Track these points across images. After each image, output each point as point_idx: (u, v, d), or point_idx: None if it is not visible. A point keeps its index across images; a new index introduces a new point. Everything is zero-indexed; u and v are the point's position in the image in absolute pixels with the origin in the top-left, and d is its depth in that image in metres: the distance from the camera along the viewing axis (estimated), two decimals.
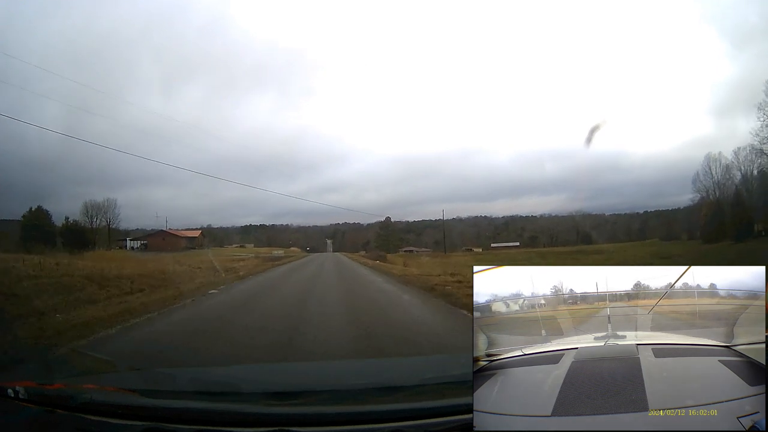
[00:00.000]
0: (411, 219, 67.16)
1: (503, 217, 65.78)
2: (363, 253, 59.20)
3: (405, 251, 60.78)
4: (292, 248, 69.23)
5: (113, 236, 50.32)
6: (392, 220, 67.94)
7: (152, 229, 55.14)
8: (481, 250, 60.32)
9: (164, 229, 54.90)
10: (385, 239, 66.03)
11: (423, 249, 63.15)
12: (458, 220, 63.03)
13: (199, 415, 1.78)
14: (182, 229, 57.77)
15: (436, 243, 63.62)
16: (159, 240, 52.41)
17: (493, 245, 60.89)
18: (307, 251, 69.30)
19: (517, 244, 60.46)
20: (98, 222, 47.84)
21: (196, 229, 60.95)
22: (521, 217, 65.01)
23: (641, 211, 59.18)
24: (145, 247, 50.83)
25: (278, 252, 52.87)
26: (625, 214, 59.02)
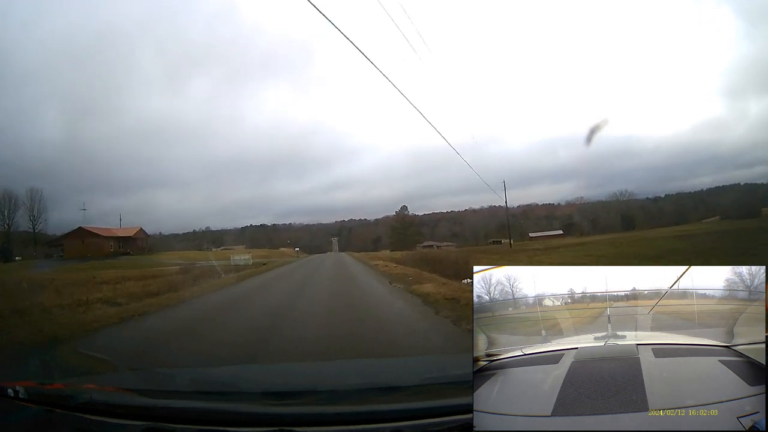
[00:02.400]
0: (420, 213, 63.92)
1: (519, 206, 62.72)
2: (387, 253, 43.88)
3: (424, 246, 54.53)
4: (282, 249, 58.65)
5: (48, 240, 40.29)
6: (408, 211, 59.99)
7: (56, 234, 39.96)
8: (512, 242, 55.39)
9: (84, 226, 39.49)
10: (402, 234, 56.76)
11: (445, 243, 54.99)
12: (471, 211, 59.55)
13: (198, 415, 1.77)
14: (114, 227, 43.25)
15: (454, 236, 59.47)
16: (77, 242, 38.35)
17: (532, 235, 53.83)
18: (296, 252, 56.44)
19: (560, 232, 53.38)
20: (9, 222, 37.65)
21: (132, 227, 44.43)
22: (538, 205, 61.85)
23: (662, 195, 56.99)
24: (61, 253, 38.51)
25: (240, 257, 35.26)
26: (646, 198, 57.04)
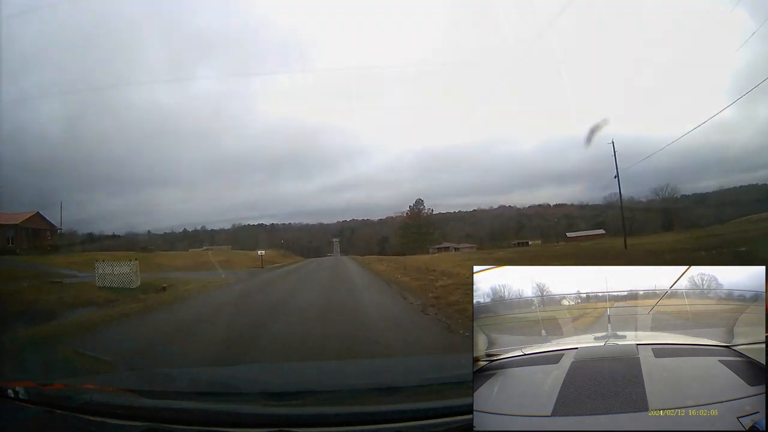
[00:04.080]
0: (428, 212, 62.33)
1: (530, 207, 60.80)
2: (433, 255, 31.50)
3: (440, 248, 50.86)
4: (253, 252, 48.96)
5: None
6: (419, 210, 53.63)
7: None
8: (540, 242, 51.20)
9: None
10: (416, 233, 52.31)
11: (463, 245, 52.19)
12: (481, 212, 57.49)
13: (198, 415, 1.78)
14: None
15: (468, 236, 57.07)
16: None
17: (569, 235, 51.47)
18: (261, 257, 40.14)
19: (602, 231, 51.18)
20: None
21: (23, 212, 28.61)
22: (551, 206, 59.94)
23: (678, 196, 55.87)
24: None
25: (114, 271, 16.78)
26: (663, 199, 55.91)
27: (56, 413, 1.82)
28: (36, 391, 1.92)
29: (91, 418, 1.78)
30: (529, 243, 48.82)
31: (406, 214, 57.10)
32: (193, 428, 1.69)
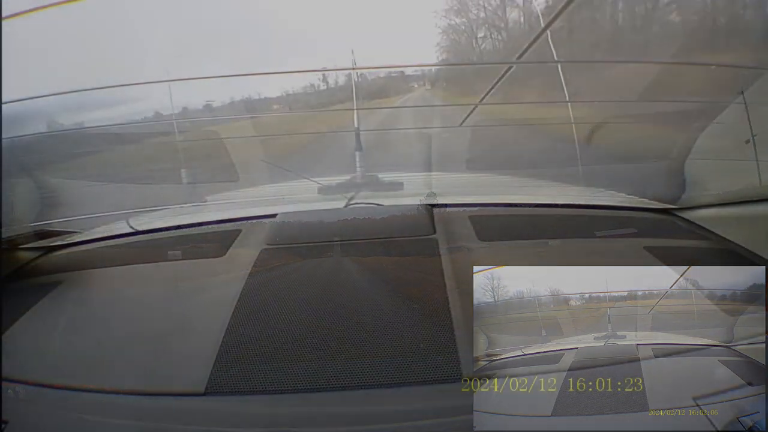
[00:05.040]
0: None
1: (537, 205, 61.04)
2: None
3: (450, 249, 50.51)
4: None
5: None
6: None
7: None
8: (559, 242, 50.94)
9: None
10: (424, 232, 51.70)
11: (473, 245, 52.50)
12: (484, 209, 57.63)
13: (198, 415, 1.78)
14: None
15: (476, 236, 56.88)
16: None
17: (598, 234, 51.57)
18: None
19: (635, 230, 51.22)
20: None
21: None
22: (558, 204, 60.54)
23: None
24: None
25: None
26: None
27: (56, 413, 1.81)
28: (36, 391, 1.91)
29: (92, 418, 1.77)
30: (549, 243, 48.30)
31: (414, 210, 57.07)
32: (193, 428, 1.68)
